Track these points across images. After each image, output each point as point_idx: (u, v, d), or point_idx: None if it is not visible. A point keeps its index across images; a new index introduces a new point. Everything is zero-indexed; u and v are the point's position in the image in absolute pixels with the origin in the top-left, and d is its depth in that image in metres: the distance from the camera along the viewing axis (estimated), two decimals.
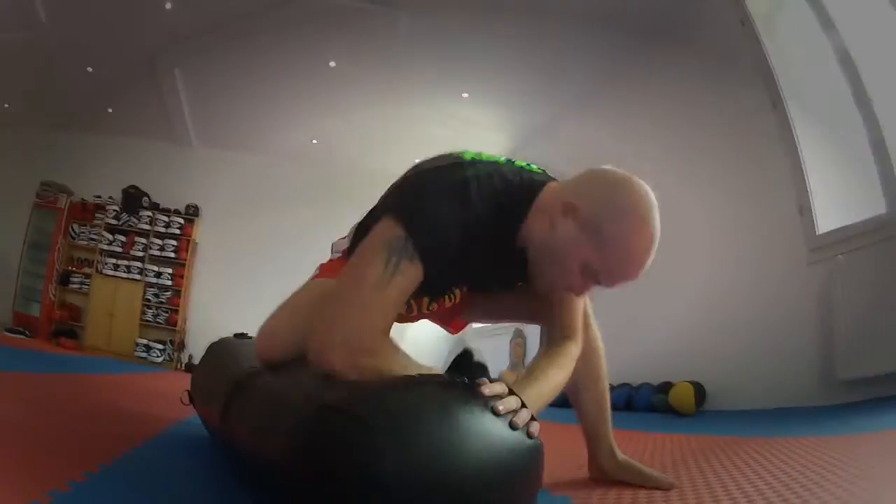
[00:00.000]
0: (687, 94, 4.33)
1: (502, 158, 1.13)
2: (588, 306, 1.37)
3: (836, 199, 3.33)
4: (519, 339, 6.29)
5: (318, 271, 1.39)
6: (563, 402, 1.31)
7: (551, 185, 1.09)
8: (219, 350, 1.82)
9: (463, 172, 1.00)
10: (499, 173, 1.04)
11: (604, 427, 1.43)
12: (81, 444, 1.41)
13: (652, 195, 1.01)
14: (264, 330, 1.19)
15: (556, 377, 1.13)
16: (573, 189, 1.04)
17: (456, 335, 1.50)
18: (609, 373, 1.43)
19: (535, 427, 0.84)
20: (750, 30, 3.69)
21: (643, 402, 3.98)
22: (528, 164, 1.15)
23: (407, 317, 1.35)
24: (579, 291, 1.08)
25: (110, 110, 7.51)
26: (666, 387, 3.82)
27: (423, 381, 0.77)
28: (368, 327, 0.88)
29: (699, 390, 3.68)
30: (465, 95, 6.14)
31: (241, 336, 1.97)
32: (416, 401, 0.72)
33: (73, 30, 5.63)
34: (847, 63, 3.11)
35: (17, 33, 5.50)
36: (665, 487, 1.33)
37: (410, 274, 0.92)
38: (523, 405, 0.86)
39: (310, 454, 0.70)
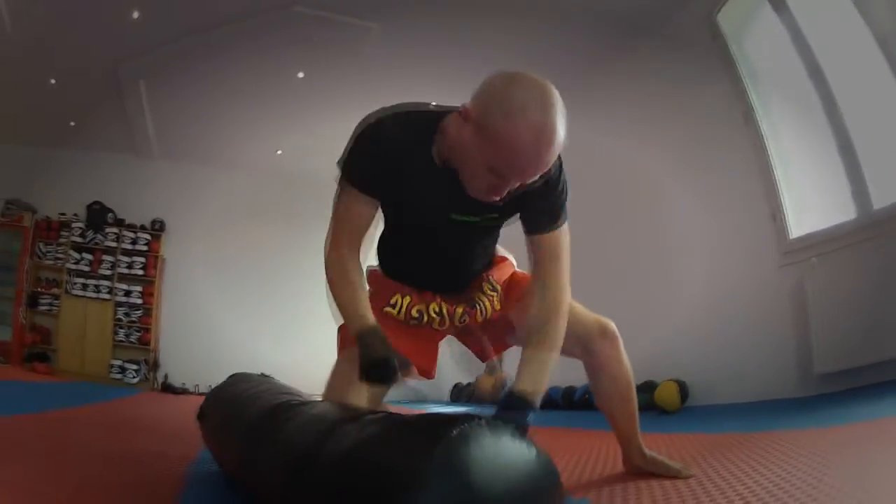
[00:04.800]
0: (662, 98, 4.44)
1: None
2: (621, 345, 1.49)
3: (808, 206, 3.47)
4: None
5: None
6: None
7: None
8: (235, 383, 1.81)
9: (382, 114, 1.21)
10: (415, 108, 1.23)
11: (633, 434, 1.58)
12: None
13: (544, 90, 1.03)
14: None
15: (550, 361, 1.23)
16: (472, 97, 1.10)
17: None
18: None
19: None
20: (721, 40, 3.83)
21: None
22: None
23: (440, 331, 1.42)
24: (495, 193, 1.11)
25: (73, 124, 7.27)
26: (649, 386, 3.91)
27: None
28: (329, 238, 1.27)
29: (682, 388, 3.80)
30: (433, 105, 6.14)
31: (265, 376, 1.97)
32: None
33: (38, 41, 5.44)
34: (815, 71, 3.25)
35: None
36: (685, 477, 1.48)
37: (345, 191, 1.24)
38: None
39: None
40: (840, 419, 2.27)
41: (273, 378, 1.97)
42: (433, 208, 1.25)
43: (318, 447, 0.86)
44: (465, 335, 1.53)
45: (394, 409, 1.49)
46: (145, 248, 7.83)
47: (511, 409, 1.12)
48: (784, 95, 3.61)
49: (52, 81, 6.30)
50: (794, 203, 3.51)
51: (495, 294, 1.46)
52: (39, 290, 7.55)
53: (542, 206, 1.26)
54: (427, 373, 1.47)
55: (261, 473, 1.04)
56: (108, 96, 6.59)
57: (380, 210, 1.29)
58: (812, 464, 1.48)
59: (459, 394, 7.01)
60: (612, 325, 1.49)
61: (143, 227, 7.90)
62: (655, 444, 2.25)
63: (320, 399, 1.30)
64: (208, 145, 7.49)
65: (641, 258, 4.57)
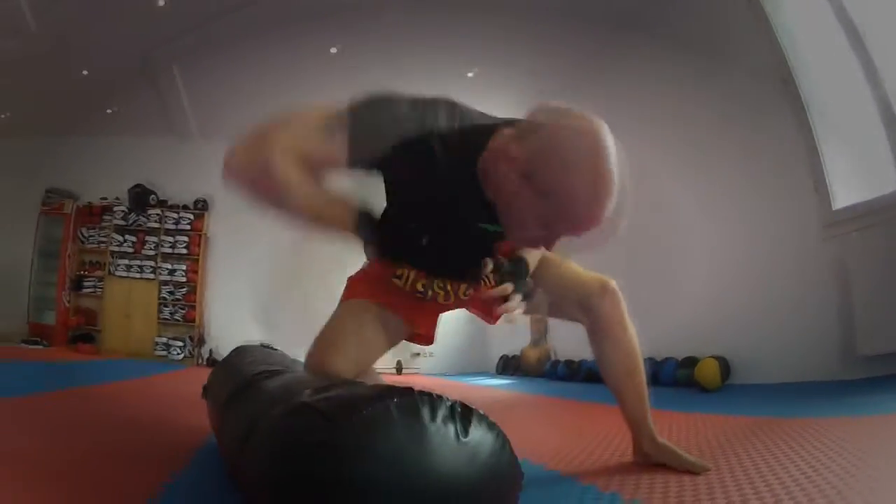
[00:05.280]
0: (698, 73, 4.30)
1: None
2: (623, 306, 1.41)
3: (851, 177, 3.31)
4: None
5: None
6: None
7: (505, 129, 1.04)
8: (231, 357, 1.86)
9: (425, 103, 1.06)
10: (460, 111, 1.08)
11: (643, 416, 1.46)
12: (126, 471, 1.36)
13: (598, 135, 0.94)
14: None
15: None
16: (516, 135, 0.99)
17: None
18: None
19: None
20: (757, 5, 3.64)
21: (668, 377, 4.01)
22: None
23: (444, 304, 1.38)
24: (545, 245, 1.04)
25: (110, 111, 7.47)
26: (690, 362, 3.83)
27: (395, 392, 0.77)
28: (265, 140, 1.05)
29: (724, 365, 3.70)
30: (470, 75, 6.11)
31: (266, 347, 1.99)
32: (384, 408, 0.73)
33: (64, 35, 5.57)
34: (856, 39, 3.08)
35: (6, 42, 5.48)
36: (698, 472, 1.35)
37: (339, 136, 1.02)
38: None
39: (282, 448, 0.75)
40: (880, 408, 2.17)
41: (271, 348, 1.97)
42: (458, 218, 1.15)
43: (258, 419, 0.88)
44: (466, 303, 1.45)
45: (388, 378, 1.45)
46: (188, 227, 8.03)
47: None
48: (823, 63, 3.44)
49: (85, 72, 6.44)
50: (836, 173, 3.35)
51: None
52: (83, 273, 7.83)
53: None
54: (427, 339, 1.46)
55: (225, 446, 1.07)
56: (142, 82, 6.73)
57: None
58: (845, 455, 1.42)
59: (506, 365, 7.11)
60: (613, 283, 1.42)
61: (185, 207, 8.09)
62: (685, 423, 2.22)
63: (294, 369, 1.32)
64: (246, 122, 7.53)
65: (680, 230, 4.47)
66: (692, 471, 1.36)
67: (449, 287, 1.34)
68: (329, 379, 1.10)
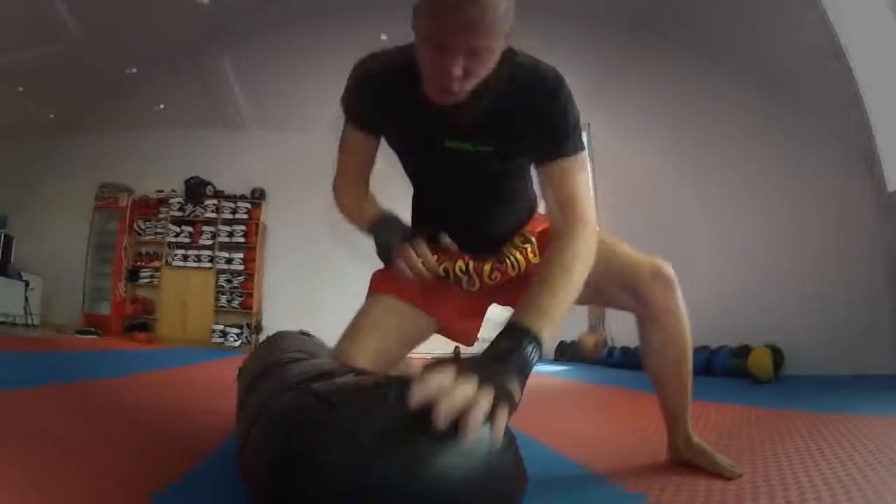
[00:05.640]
0: (749, 54, 4.10)
1: None
2: (677, 293, 1.27)
3: None
4: None
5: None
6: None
7: None
8: (266, 343, 1.87)
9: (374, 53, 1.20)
10: (398, 47, 1.17)
11: (682, 413, 1.37)
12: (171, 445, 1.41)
13: None
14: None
15: (563, 295, 0.99)
16: None
17: None
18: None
19: (498, 426, 0.72)
20: None
21: (721, 366, 3.90)
22: None
23: (472, 292, 1.33)
24: (445, 75, 0.98)
25: (161, 107, 7.71)
26: (744, 351, 3.71)
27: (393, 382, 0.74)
28: (336, 172, 1.31)
29: (777, 354, 3.56)
30: None
31: (304, 334, 1.98)
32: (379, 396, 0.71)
33: (107, 37, 5.77)
34: None
35: (48, 47, 5.71)
36: (728, 477, 1.27)
37: (347, 130, 1.26)
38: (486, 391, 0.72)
39: (271, 425, 0.76)
40: None
41: (308, 335, 1.95)
42: (427, 138, 1.18)
43: (265, 406, 0.87)
44: (494, 287, 1.36)
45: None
46: (245, 216, 8.19)
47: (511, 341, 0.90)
48: (875, 41, 3.24)
49: (133, 70, 6.64)
50: (891, 153, 3.16)
51: (529, 245, 1.32)
52: (140, 264, 8.11)
53: (538, 128, 1.11)
54: (463, 335, 1.42)
55: (239, 432, 1.06)
56: (192, 77, 6.90)
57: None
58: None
59: (563, 351, 7.09)
60: (668, 268, 1.26)
61: (242, 197, 8.25)
62: (729, 416, 2.15)
63: (319, 356, 1.28)
64: (298, 112, 7.62)
65: (731, 215, 4.33)
66: (723, 475, 1.28)
67: (471, 268, 1.29)
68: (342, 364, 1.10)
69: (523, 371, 0.83)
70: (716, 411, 2.24)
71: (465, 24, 0.93)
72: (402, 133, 1.24)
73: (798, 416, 2.18)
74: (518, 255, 1.31)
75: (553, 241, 1.10)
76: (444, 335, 1.42)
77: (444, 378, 0.70)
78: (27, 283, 7.17)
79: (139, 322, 7.68)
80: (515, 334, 0.88)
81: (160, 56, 6.35)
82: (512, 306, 1.25)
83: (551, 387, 4.09)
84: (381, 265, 1.30)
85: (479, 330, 1.44)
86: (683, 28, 4.49)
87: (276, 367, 1.18)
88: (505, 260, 1.31)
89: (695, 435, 1.38)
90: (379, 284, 1.36)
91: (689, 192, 4.82)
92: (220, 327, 7.77)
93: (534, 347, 0.87)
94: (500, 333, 0.89)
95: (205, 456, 1.34)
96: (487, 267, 1.30)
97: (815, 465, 1.35)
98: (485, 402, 0.70)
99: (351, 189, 1.30)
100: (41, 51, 5.77)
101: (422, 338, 1.37)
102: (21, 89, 6.97)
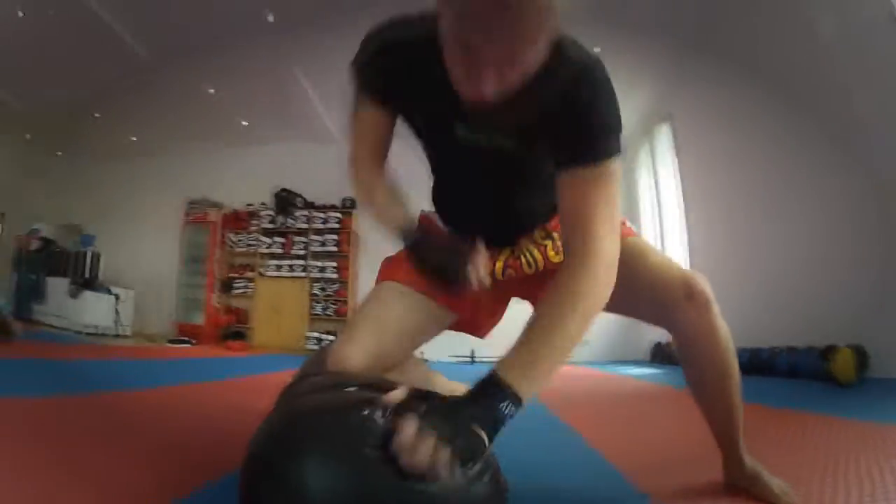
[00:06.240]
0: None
1: None
2: (713, 311, 1.08)
3: None
4: None
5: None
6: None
7: None
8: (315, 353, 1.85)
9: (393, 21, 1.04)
10: (422, 16, 0.98)
11: (733, 438, 1.18)
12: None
13: None
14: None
15: (557, 344, 0.86)
16: None
17: None
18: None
19: (441, 467, 0.72)
20: None
21: (805, 368, 3.56)
22: None
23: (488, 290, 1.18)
24: (474, 78, 0.81)
25: (245, 123, 7.91)
26: (827, 352, 3.33)
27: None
28: (349, 157, 1.21)
29: (861, 355, 3.21)
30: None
31: None
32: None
33: (179, 60, 5.96)
34: None
35: (115, 70, 5.92)
36: None
37: (360, 105, 1.12)
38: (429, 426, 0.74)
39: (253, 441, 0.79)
40: None
41: None
42: (444, 121, 1.03)
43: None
44: (508, 283, 1.24)
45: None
46: (337, 225, 8.26)
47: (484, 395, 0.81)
48: None
49: (211, 91, 6.79)
50: None
51: (549, 242, 1.20)
52: (233, 275, 8.42)
53: (559, 123, 0.93)
54: (476, 328, 1.34)
55: None
56: (270, 91, 6.96)
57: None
58: None
59: (658, 353, 6.68)
60: (702, 284, 1.08)
61: (333, 207, 8.32)
62: (798, 428, 1.89)
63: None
64: None
65: (809, 209, 3.96)
66: (776, 503, 1.12)
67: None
68: (342, 375, 1.04)
69: (495, 427, 0.79)
70: (782, 418, 2.06)
71: (502, 23, 0.74)
72: (419, 112, 1.10)
73: (870, 428, 1.86)
74: (536, 252, 1.20)
75: (558, 272, 0.93)
76: (456, 329, 1.32)
77: (407, 435, 0.72)
78: (117, 297, 7.63)
79: (234, 331, 7.96)
80: (490, 389, 0.82)
81: (237, 75, 6.53)
82: (531, 303, 1.21)
83: (630, 392, 3.78)
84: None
85: (494, 325, 1.35)
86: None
87: (297, 380, 1.14)
88: (521, 256, 1.20)
89: (748, 456, 1.19)
90: (390, 271, 1.29)
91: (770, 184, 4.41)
92: (315, 334, 7.88)
93: (508, 404, 0.81)
94: (481, 381, 0.83)
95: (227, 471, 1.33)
96: (500, 265, 1.20)
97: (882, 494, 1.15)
98: (444, 458, 0.72)
99: (368, 189, 1.20)
100: (112, 76, 6.10)
101: (429, 332, 1.26)
102: (97, 115, 7.42)
